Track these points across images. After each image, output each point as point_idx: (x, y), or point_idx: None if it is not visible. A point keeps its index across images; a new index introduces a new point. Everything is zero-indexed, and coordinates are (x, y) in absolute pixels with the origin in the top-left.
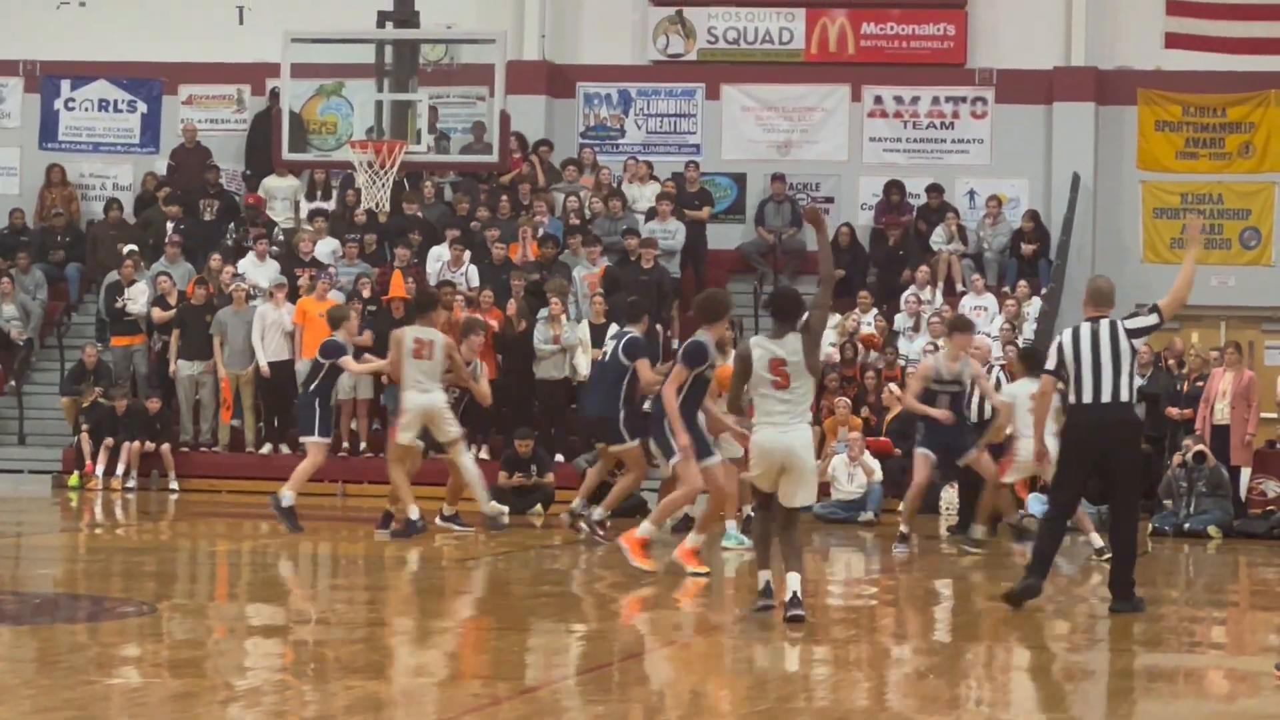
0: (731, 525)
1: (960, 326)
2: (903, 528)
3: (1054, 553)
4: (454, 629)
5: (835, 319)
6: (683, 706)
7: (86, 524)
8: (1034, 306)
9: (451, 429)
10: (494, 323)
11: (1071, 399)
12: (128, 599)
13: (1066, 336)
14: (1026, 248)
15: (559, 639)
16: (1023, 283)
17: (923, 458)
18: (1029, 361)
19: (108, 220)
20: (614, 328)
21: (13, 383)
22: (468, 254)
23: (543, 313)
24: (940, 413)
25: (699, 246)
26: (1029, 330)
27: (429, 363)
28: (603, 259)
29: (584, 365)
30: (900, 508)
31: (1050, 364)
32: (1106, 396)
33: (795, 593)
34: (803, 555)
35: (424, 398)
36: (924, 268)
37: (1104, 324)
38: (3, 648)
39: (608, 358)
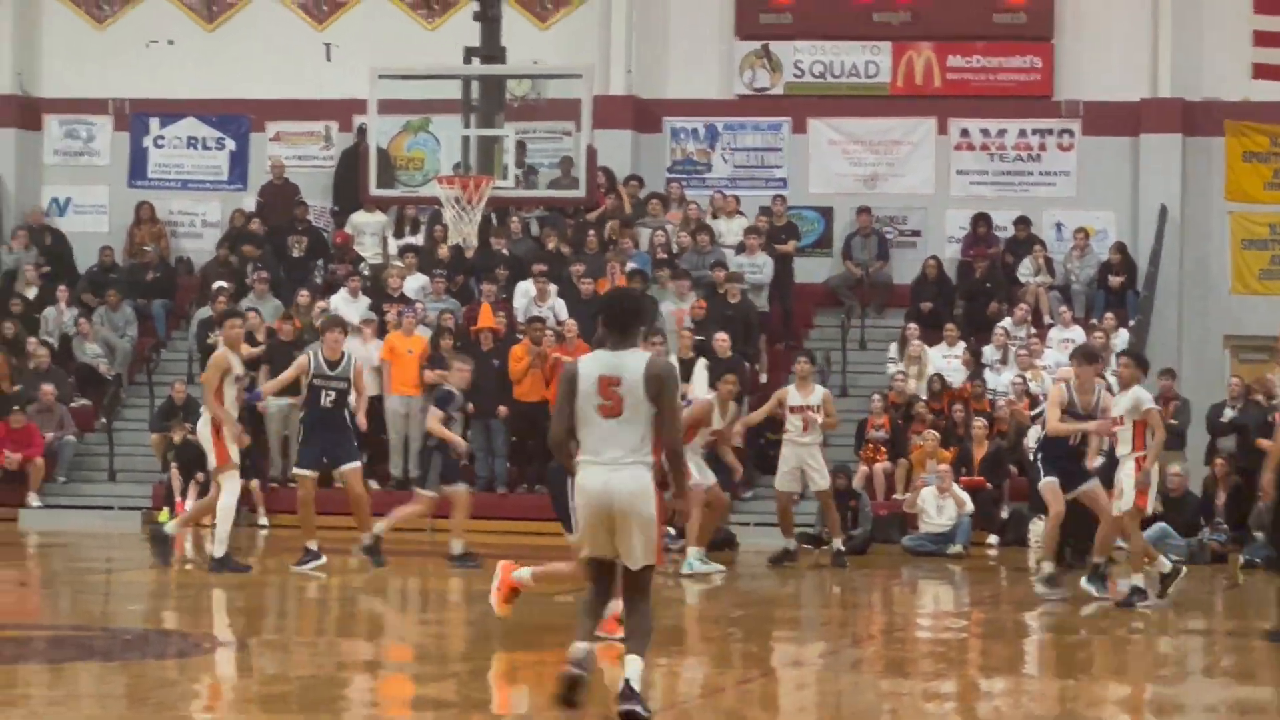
0: (693, 551)
1: (1087, 358)
2: (1048, 567)
3: None
4: (537, 664)
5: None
6: None
7: (176, 560)
8: (1121, 338)
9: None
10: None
11: None
12: (216, 635)
13: None
14: (1114, 280)
15: (645, 672)
16: (1110, 314)
17: (1050, 488)
18: (1139, 361)
19: (213, 259)
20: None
21: (103, 419)
22: (553, 288)
23: None
24: (1097, 425)
25: (786, 280)
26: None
27: None
28: (691, 293)
29: None
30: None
31: None
32: None
33: (629, 681)
34: (650, 636)
35: None
36: (1013, 301)
37: None
38: (93, 684)
39: None
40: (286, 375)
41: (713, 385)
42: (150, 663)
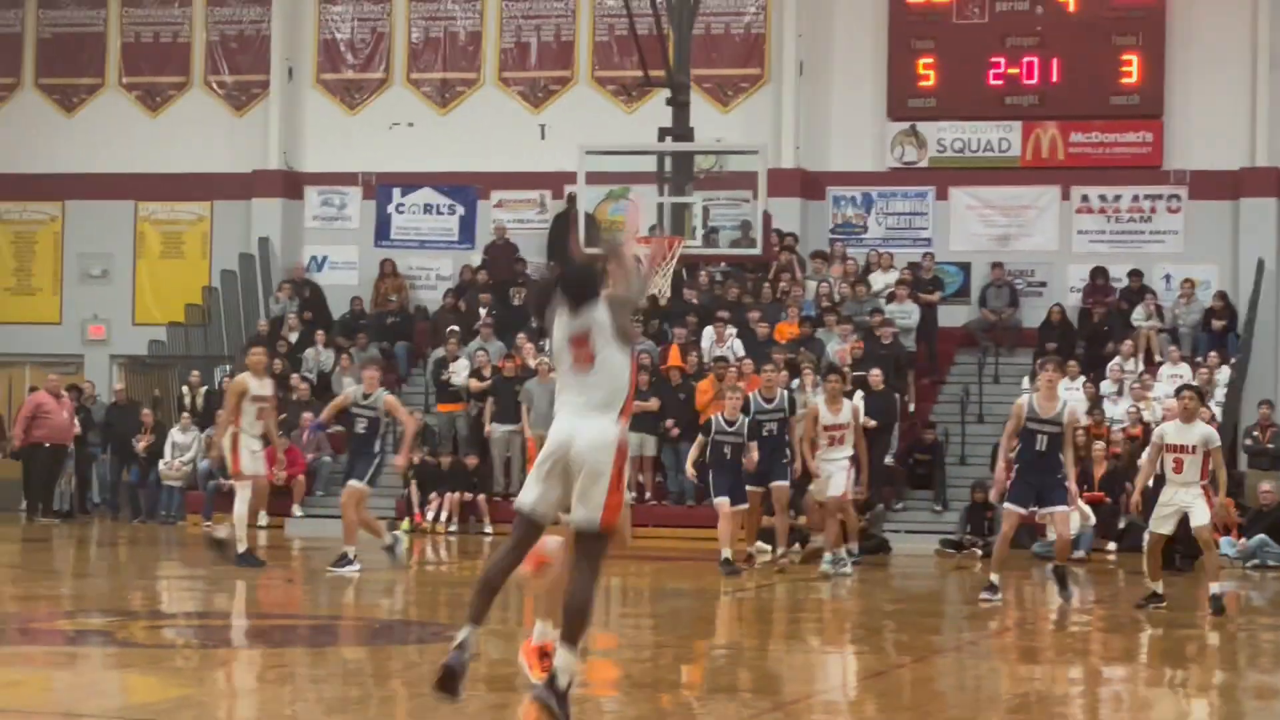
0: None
1: (1059, 366)
2: (993, 579)
3: None
4: (723, 649)
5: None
6: (920, 718)
7: (415, 562)
8: (1223, 374)
9: None
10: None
11: None
12: (451, 624)
13: None
14: (1216, 324)
15: (814, 658)
16: (1213, 353)
17: (1009, 511)
18: (1201, 396)
19: (443, 307)
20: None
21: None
22: (731, 330)
23: (794, 383)
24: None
25: (931, 325)
26: (1219, 394)
27: None
28: (852, 335)
29: None
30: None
31: None
32: None
33: (555, 674)
34: (583, 619)
35: None
36: (1126, 341)
37: None
38: (347, 665)
39: None
40: (337, 403)
41: (868, 413)
42: (395, 647)
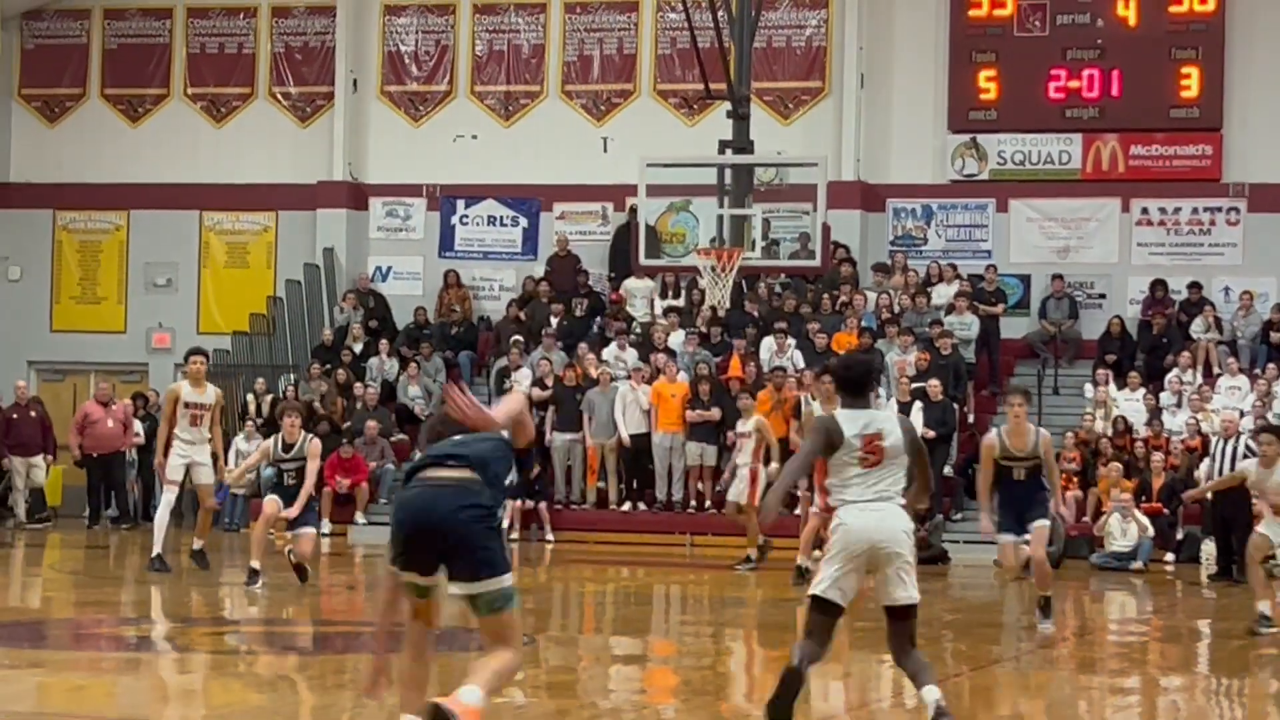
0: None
1: (1026, 396)
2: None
3: None
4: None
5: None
6: None
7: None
8: None
9: None
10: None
11: None
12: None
13: None
14: (1275, 336)
15: (873, 667)
16: (1272, 365)
17: (1005, 547)
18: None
19: (505, 317)
20: (919, 404)
21: (416, 451)
22: (791, 341)
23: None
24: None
25: (994, 336)
26: (1278, 406)
27: None
28: (912, 346)
29: None
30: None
31: None
32: None
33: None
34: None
35: None
36: (1185, 353)
37: None
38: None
39: None
40: (250, 462)
41: (926, 424)
42: (456, 654)
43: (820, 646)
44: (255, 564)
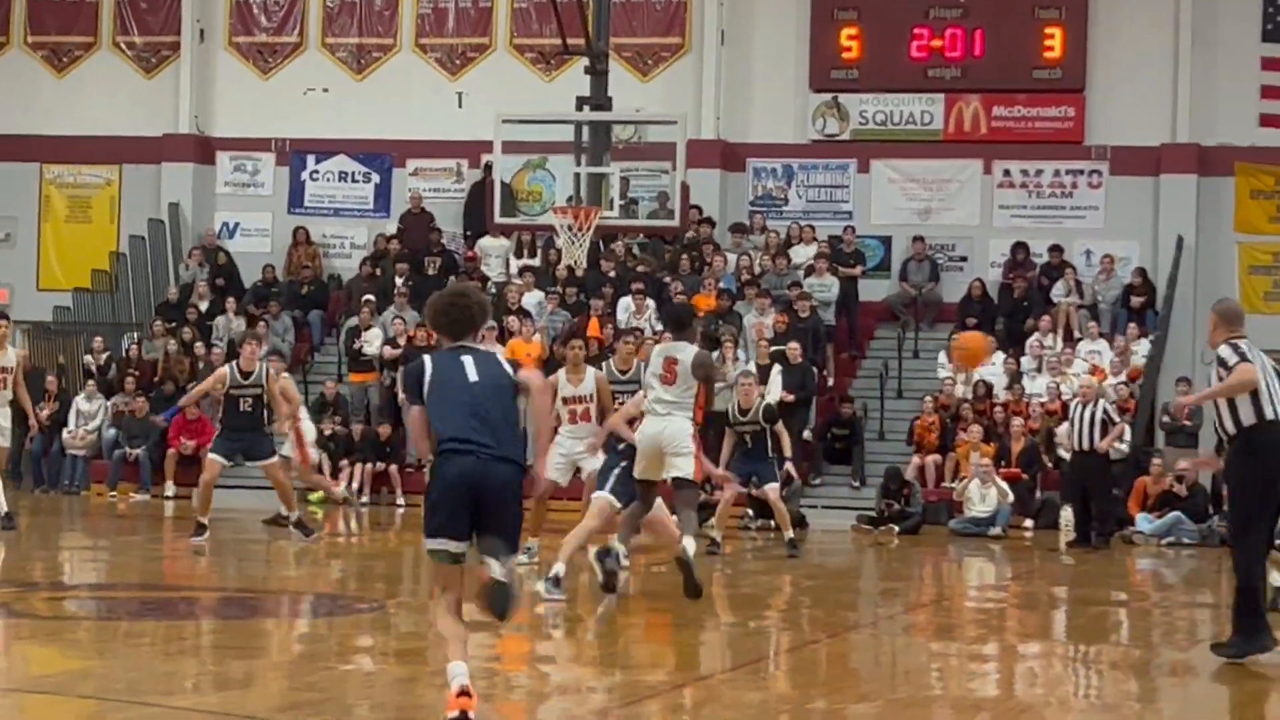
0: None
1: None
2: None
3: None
4: (636, 624)
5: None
6: (834, 694)
7: (326, 533)
8: (1142, 347)
9: None
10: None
11: (1268, 415)
12: (361, 597)
13: (1244, 346)
14: (1135, 300)
15: (728, 633)
16: (1133, 325)
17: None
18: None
19: (357, 276)
20: (777, 367)
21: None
22: (650, 303)
23: (714, 355)
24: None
25: (852, 299)
26: (1139, 363)
27: None
28: (771, 309)
29: None
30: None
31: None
32: None
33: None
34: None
35: None
36: (1046, 317)
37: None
38: (255, 638)
39: None
40: (204, 386)
41: (785, 388)
42: (302, 620)
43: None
44: (204, 519)
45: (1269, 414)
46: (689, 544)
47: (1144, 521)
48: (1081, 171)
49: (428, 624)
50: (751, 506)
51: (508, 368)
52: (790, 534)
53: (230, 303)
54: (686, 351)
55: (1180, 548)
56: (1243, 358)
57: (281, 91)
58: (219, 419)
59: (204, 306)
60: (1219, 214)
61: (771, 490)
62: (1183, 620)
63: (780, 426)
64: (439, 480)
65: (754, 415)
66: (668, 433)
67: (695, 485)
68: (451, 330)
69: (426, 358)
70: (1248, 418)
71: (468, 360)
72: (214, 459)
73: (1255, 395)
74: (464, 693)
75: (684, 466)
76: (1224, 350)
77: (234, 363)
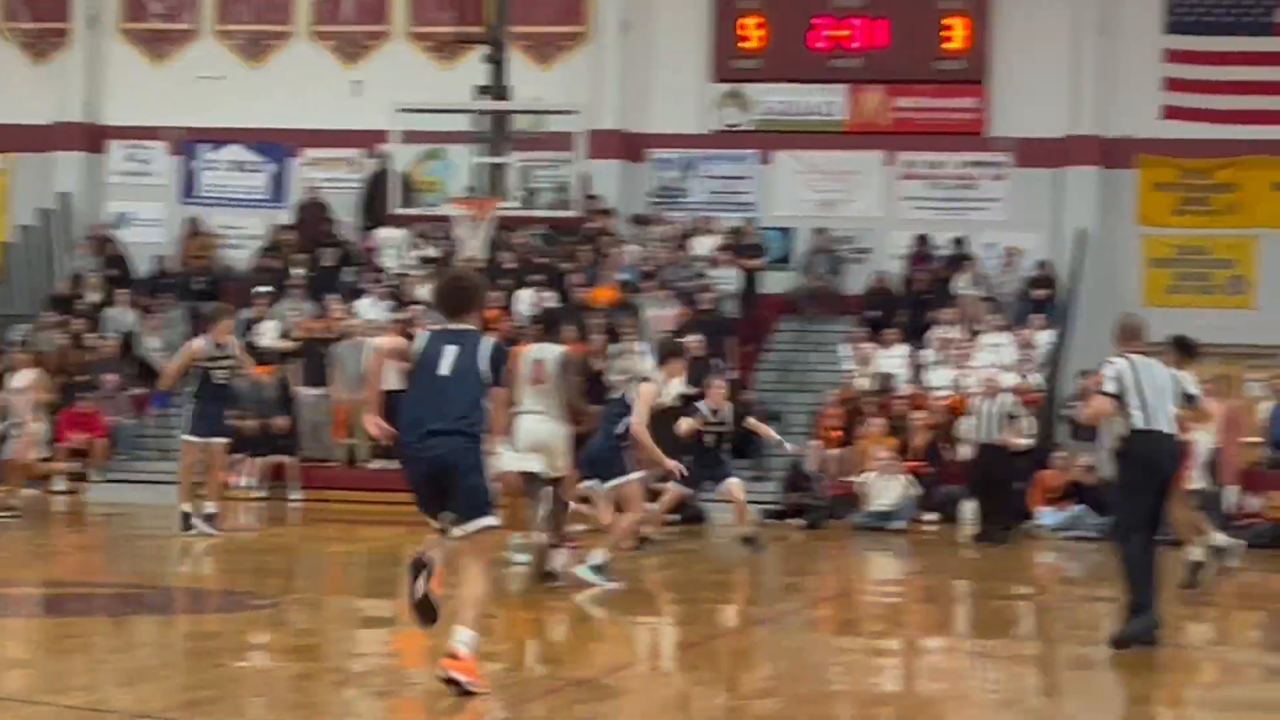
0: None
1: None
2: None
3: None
4: (535, 620)
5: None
6: (737, 689)
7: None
8: (1044, 337)
9: None
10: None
11: (1139, 425)
12: (256, 593)
13: (1124, 364)
14: (1038, 293)
15: (629, 629)
16: (1036, 316)
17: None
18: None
19: (252, 267)
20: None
21: (157, 405)
22: (550, 294)
23: (615, 347)
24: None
25: (753, 291)
26: (1042, 356)
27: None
28: (671, 301)
29: None
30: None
31: (1110, 388)
32: (1168, 427)
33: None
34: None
35: None
36: (948, 309)
37: (1150, 358)
38: (148, 634)
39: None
40: (180, 361)
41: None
42: (197, 617)
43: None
44: (187, 507)
45: (1138, 424)
46: (540, 536)
47: (1046, 515)
48: (984, 163)
49: (322, 620)
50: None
51: (484, 358)
52: (749, 530)
53: (121, 294)
54: (552, 352)
55: (1082, 541)
56: (1100, 389)
57: (175, 79)
58: (193, 393)
59: (95, 298)
60: (1121, 206)
61: (736, 486)
62: (1084, 614)
63: (753, 421)
64: (406, 471)
65: (723, 416)
66: (542, 433)
67: (560, 484)
68: (448, 309)
69: (422, 332)
70: (1122, 427)
71: (450, 350)
72: (190, 441)
73: (1125, 406)
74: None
75: (560, 466)
76: (1104, 369)
77: (208, 337)
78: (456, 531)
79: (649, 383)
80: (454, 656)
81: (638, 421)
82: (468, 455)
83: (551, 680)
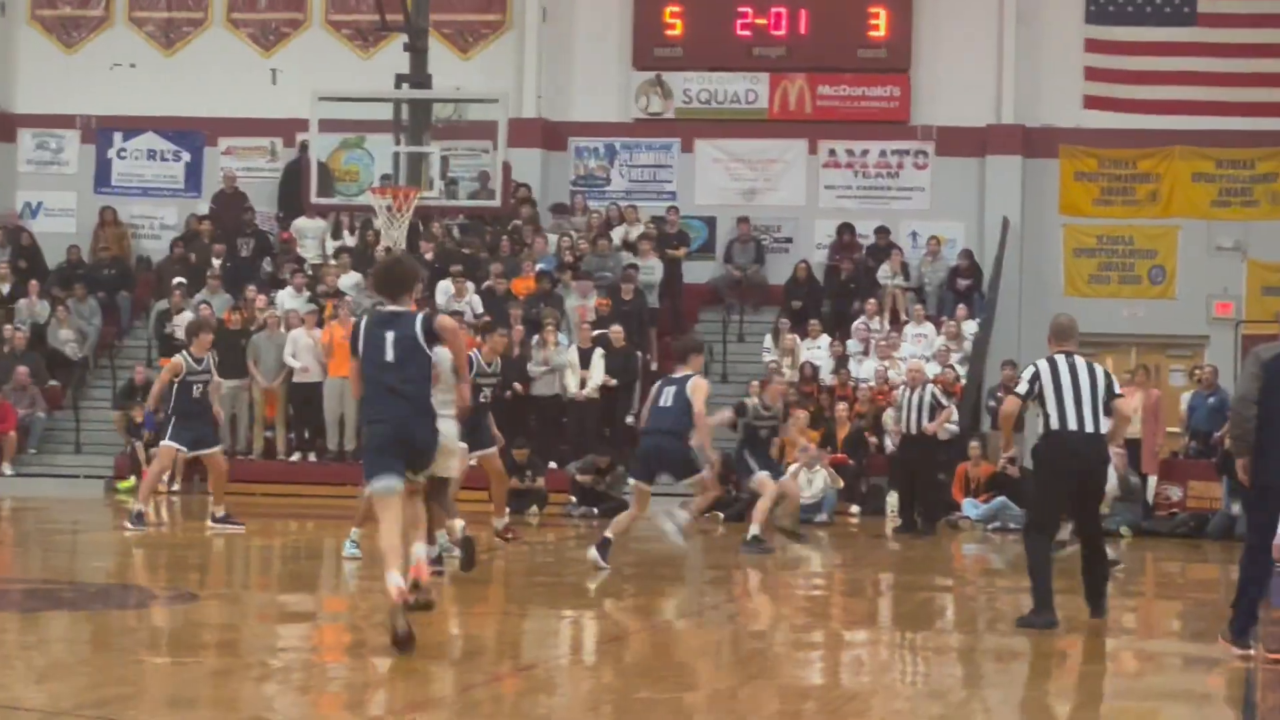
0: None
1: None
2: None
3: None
4: (459, 613)
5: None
6: (659, 683)
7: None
8: (969, 328)
9: None
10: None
11: (1053, 425)
12: (173, 588)
13: (1044, 366)
14: (962, 282)
15: (552, 623)
16: (961, 306)
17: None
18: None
19: (168, 258)
20: (599, 351)
21: (71, 397)
22: (470, 285)
23: (535, 339)
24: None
25: (676, 281)
26: (967, 346)
27: None
28: (593, 292)
29: (573, 384)
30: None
31: (1022, 389)
32: (1090, 426)
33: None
34: None
35: None
36: (872, 300)
37: (1077, 358)
38: (61, 630)
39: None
40: (163, 379)
41: (608, 372)
42: (112, 612)
43: None
44: (140, 506)
45: (1054, 424)
46: (459, 524)
47: (970, 507)
48: (907, 152)
49: (240, 615)
50: (575, 494)
51: (420, 333)
52: (755, 530)
53: (33, 285)
54: (442, 353)
55: (1006, 533)
56: (1012, 390)
57: (87, 66)
58: (173, 408)
59: (5, 289)
60: (1044, 195)
61: (767, 481)
62: (1007, 605)
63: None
64: (373, 440)
65: (775, 411)
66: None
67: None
68: (387, 291)
69: (361, 321)
70: (1042, 425)
71: (389, 336)
72: (172, 446)
73: (1043, 407)
74: (400, 589)
75: (452, 466)
76: (1023, 370)
77: (185, 351)
78: (416, 479)
79: (701, 378)
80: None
81: (700, 413)
82: (422, 426)
83: (476, 676)
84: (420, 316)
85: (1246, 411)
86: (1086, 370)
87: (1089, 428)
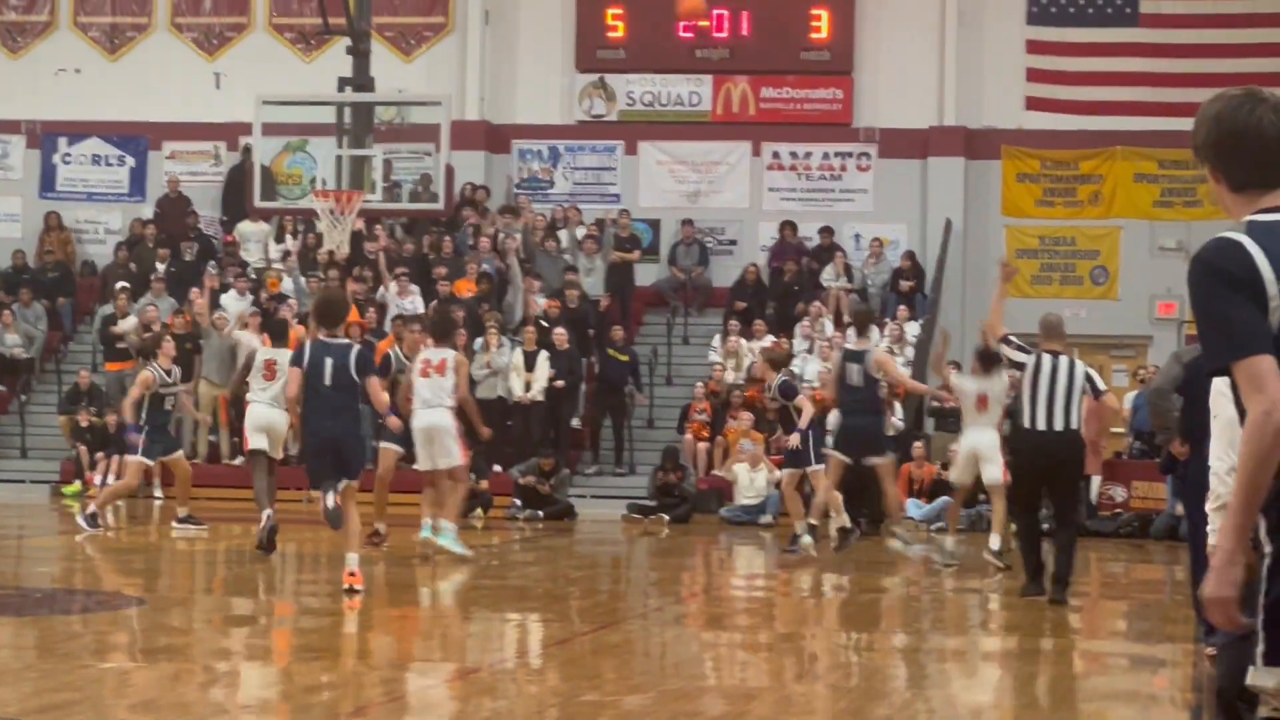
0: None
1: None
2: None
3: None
4: (403, 617)
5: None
6: (605, 685)
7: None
8: (912, 329)
9: None
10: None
11: (1024, 422)
12: (118, 593)
13: (1032, 362)
14: (905, 284)
15: (496, 626)
16: (903, 307)
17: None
18: (985, 360)
19: (113, 262)
20: (545, 353)
21: (22, 398)
22: (415, 288)
23: (478, 341)
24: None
25: (628, 285)
26: (909, 352)
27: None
28: (541, 293)
29: (518, 387)
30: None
31: (1017, 357)
32: (1059, 424)
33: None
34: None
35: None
36: (816, 302)
37: (1061, 359)
38: (6, 636)
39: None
40: (135, 394)
41: (556, 375)
42: (58, 618)
43: None
44: (94, 508)
45: (1024, 421)
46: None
47: (914, 507)
48: (850, 154)
49: (188, 619)
50: (519, 496)
51: (353, 365)
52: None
53: None
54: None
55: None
56: (1009, 343)
57: (31, 71)
58: (144, 421)
59: None
60: (986, 197)
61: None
62: (951, 606)
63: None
64: (311, 448)
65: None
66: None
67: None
68: (325, 322)
69: (306, 344)
70: (1018, 421)
71: (328, 364)
72: (143, 463)
73: (1020, 400)
74: (352, 574)
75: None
76: (1029, 354)
77: (153, 363)
78: (331, 497)
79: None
80: (352, 574)
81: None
82: (349, 438)
83: (418, 677)
84: (355, 351)
85: (1165, 401)
86: (1067, 371)
87: (1058, 426)
